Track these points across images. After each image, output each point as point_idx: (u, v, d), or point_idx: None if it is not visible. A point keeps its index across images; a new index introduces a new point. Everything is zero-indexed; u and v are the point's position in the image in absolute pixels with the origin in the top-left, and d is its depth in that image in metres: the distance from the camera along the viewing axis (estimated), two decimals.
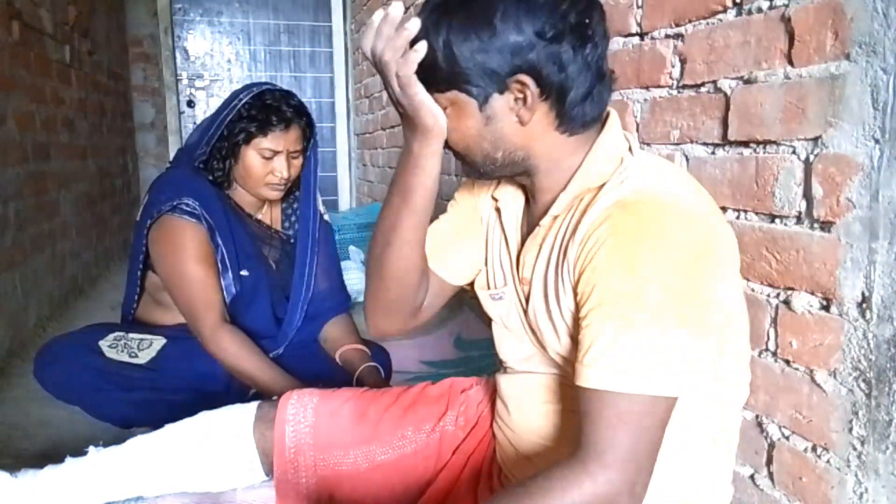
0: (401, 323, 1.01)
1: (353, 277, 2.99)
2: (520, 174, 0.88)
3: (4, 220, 2.17)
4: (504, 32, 0.74)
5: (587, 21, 0.76)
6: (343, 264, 2.95)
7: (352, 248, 3.05)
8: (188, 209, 1.50)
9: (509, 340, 0.97)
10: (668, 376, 0.71)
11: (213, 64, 4.64)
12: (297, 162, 1.59)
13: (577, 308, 0.78)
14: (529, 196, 0.92)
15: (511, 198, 0.95)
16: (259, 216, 1.69)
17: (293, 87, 4.76)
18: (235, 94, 1.56)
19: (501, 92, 0.78)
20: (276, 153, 1.54)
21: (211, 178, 1.57)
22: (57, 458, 1.17)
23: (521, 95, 0.78)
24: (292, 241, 1.70)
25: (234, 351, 1.47)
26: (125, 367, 1.44)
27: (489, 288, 0.99)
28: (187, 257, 1.49)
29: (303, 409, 1.11)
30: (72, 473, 1.14)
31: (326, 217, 1.79)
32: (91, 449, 1.16)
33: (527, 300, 0.90)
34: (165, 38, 4.53)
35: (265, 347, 1.60)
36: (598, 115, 0.83)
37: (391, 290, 0.96)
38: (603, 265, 0.73)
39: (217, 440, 1.13)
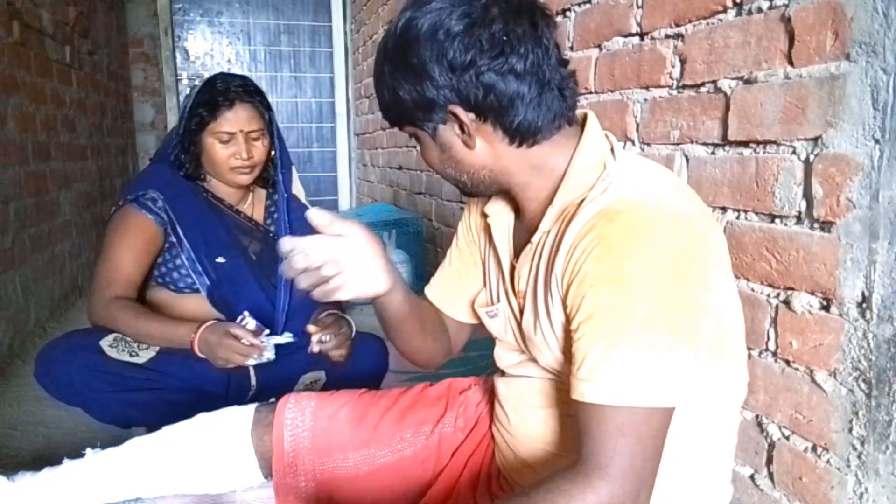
0: (437, 362, 1.10)
1: None
2: (502, 191, 0.90)
3: (4, 220, 2.17)
4: (423, 71, 0.77)
5: (506, 37, 0.76)
6: None
7: None
8: (150, 202, 1.55)
9: (505, 350, 0.98)
10: (663, 387, 0.70)
11: (213, 64, 4.64)
12: (260, 143, 1.60)
13: (568, 320, 0.78)
14: (519, 208, 0.92)
15: (501, 213, 0.95)
16: (241, 208, 1.69)
17: (293, 86, 4.77)
18: (194, 86, 1.60)
19: (444, 122, 0.81)
20: (231, 135, 1.56)
21: (183, 172, 1.60)
22: (55, 460, 1.17)
23: (458, 123, 0.80)
24: (274, 236, 1.70)
25: (122, 320, 1.47)
26: (126, 367, 1.44)
27: (487, 305, 1.00)
28: (116, 240, 1.53)
29: (300, 413, 1.11)
30: (69, 476, 1.14)
31: (307, 204, 1.76)
32: (88, 451, 1.16)
33: (521, 313, 0.90)
34: (165, 38, 4.53)
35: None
36: (553, 123, 0.81)
37: (414, 357, 1.07)
38: (590, 277, 0.73)
39: (215, 443, 1.13)
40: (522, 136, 0.81)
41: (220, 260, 1.60)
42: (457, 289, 1.07)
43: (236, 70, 4.65)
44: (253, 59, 4.70)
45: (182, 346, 1.46)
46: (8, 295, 2.18)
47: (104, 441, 1.21)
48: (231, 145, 1.57)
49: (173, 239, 1.56)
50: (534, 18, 0.78)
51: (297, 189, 1.76)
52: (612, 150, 0.84)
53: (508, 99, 0.77)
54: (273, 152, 1.67)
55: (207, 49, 4.63)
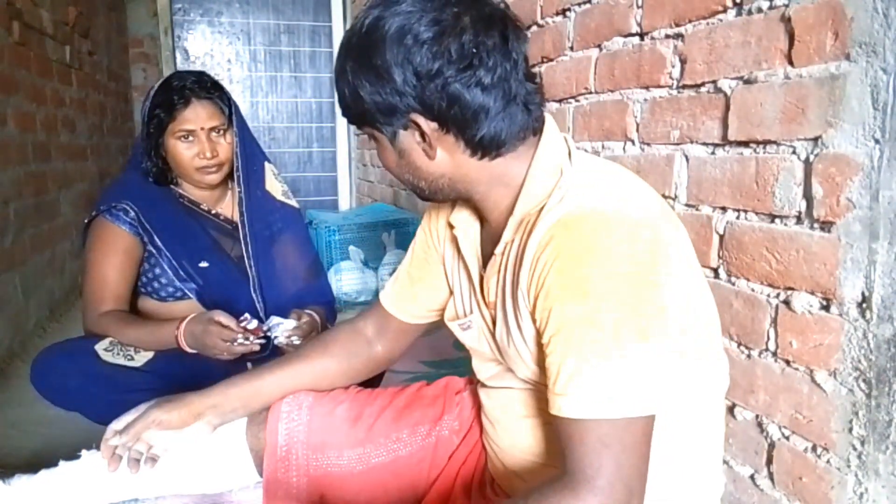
0: (377, 371, 1.19)
1: (354, 277, 2.99)
2: (461, 198, 0.89)
3: (4, 220, 2.17)
4: (388, 75, 0.75)
5: (475, 48, 0.74)
6: (343, 264, 2.99)
7: (352, 248, 3.05)
8: (122, 214, 1.53)
9: (482, 362, 0.98)
10: (640, 395, 0.70)
11: (213, 64, 4.63)
12: (224, 139, 1.57)
13: (539, 334, 0.77)
14: (482, 217, 0.91)
15: (467, 223, 0.94)
16: (218, 210, 1.67)
17: (293, 87, 4.76)
18: (151, 87, 1.56)
19: (405, 128, 0.80)
20: (191, 133, 1.53)
21: (153, 178, 1.58)
22: (53, 461, 1.16)
23: (419, 132, 0.79)
24: (246, 235, 1.66)
25: (112, 330, 1.48)
26: (122, 371, 1.43)
27: (458, 318, 0.99)
28: (96, 256, 1.52)
29: (297, 407, 1.11)
30: (66, 477, 1.13)
31: (290, 201, 1.75)
32: (84, 452, 1.15)
33: (493, 324, 0.90)
34: (165, 38, 4.53)
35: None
36: (517, 136, 0.81)
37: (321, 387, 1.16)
38: (554, 290, 0.73)
39: (209, 441, 1.12)
40: (485, 149, 0.80)
41: (204, 264, 1.58)
42: (411, 295, 1.09)
43: (236, 70, 4.65)
44: (253, 59, 4.69)
45: (172, 346, 1.45)
46: (8, 295, 2.18)
47: (101, 441, 1.21)
48: (194, 144, 1.53)
49: (151, 248, 1.54)
50: (505, 31, 0.77)
51: (272, 185, 1.72)
52: (569, 153, 0.83)
53: (473, 112, 0.76)
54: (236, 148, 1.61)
55: (207, 49, 4.63)
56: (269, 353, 1.55)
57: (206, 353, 1.42)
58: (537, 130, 0.84)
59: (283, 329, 1.44)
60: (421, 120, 0.77)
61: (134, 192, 1.56)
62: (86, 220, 1.58)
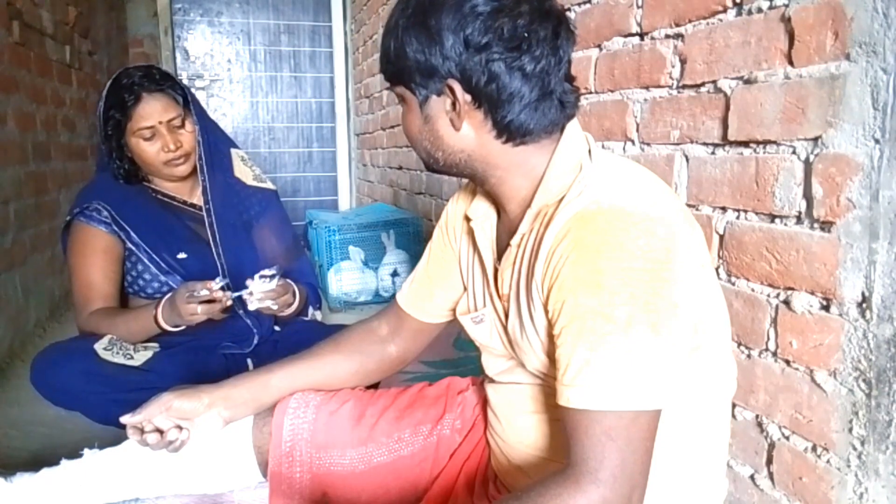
0: (389, 372, 1.17)
1: (354, 277, 2.99)
2: (475, 179, 0.89)
3: (4, 220, 2.17)
4: (438, 37, 0.77)
5: (526, 34, 0.76)
6: (343, 264, 2.99)
7: (352, 248, 3.05)
8: (95, 214, 1.53)
9: (492, 357, 0.98)
10: (647, 389, 0.70)
11: (213, 64, 4.63)
12: (185, 130, 1.57)
13: (551, 325, 0.78)
14: (499, 208, 0.92)
15: (483, 215, 0.95)
16: (193, 200, 1.67)
17: (293, 86, 4.76)
18: (103, 87, 1.55)
19: (438, 94, 0.81)
20: (150, 128, 1.52)
21: (122, 179, 1.58)
22: (54, 460, 1.16)
23: (452, 100, 0.80)
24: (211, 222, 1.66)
25: (102, 325, 1.50)
26: (121, 370, 1.44)
27: (469, 312, 0.99)
28: (77, 259, 1.54)
29: (304, 405, 1.11)
30: (68, 476, 1.13)
31: (264, 184, 1.74)
32: (86, 451, 1.15)
33: (506, 316, 0.90)
34: (165, 38, 4.53)
35: (243, 346, 1.58)
36: (545, 129, 0.82)
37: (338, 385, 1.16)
38: (569, 281, 0.73)
39: (213, 439, 1.12)
40: (510, 133, 0.81)
41: (182, 256, 1.58)
42: (428, 293, 1.09)
43: (236, 70, 4.65)
44: (253, 59, 4.69)
45: (157, 330, 1.46)
46: (8, 295, 2.18)
47: (103, 441, 1.21)
48: (156, 140, 1.53)
49: (130, 245, 1.55)
50: (558, 27, 0.79)
51: (241, 171, 1.72)
52: (589, 151, 0.84)
53: (508, 94, 0.78)
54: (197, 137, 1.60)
55: (207, 49, 4.63)
56: (260, 339, 1.55)
57: (183, 321, 1.41)
58: (565, 128, 0.85)
59: (257, 288, 1.43)
60: (457, 88, 0.79)
61: (104, 192, 1.57)
62: (62, 226, 1.59)
